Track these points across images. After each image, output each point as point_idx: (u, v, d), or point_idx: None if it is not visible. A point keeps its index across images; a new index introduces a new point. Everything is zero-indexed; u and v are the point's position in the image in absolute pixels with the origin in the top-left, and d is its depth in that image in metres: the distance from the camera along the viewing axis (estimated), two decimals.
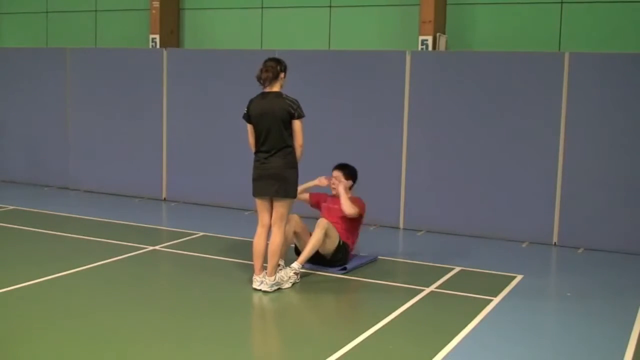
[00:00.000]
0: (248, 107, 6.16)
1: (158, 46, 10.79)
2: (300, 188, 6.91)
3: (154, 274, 6.87)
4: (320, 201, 7.10)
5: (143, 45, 11.26)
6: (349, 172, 7.04)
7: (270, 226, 6.17)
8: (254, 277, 6.17)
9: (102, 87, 10.67)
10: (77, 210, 9.41)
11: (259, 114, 6.06)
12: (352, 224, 6.96)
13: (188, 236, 8.13)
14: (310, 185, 7.04)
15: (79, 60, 10.86)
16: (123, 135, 10.58)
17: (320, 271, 6.73)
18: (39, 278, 6.28)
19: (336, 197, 6.94)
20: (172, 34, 11.06)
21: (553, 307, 6.21)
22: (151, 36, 10.92)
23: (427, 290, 6.29)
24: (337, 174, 7.01)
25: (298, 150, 6.11)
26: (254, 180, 6.15)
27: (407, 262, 7.36)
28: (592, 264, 7.55)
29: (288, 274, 6.25)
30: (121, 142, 10.60)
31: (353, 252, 7.07)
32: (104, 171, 10.76)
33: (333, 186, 6.99)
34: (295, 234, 6.65)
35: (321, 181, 6.99)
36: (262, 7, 10.63)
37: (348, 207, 6.76)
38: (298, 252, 6.71)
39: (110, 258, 7.04)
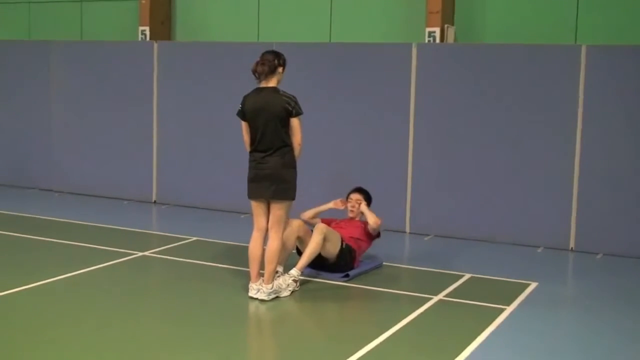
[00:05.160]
0: (242, 104, 6.15)
1: (148, 39, 10.78)
2: (312, 212, 7.19)
3: (143, 281, 6.85)
4: (332, 224, 7.12)
5: (132, 37, 11.25)
6: (368, 196, 7.30)
7: (267, 230, 6.15)
8: (250, 285, 6.16)
9: (89, 83, 10.65)
10: (62, 213, 9.40)
11: (254, 111, 6.05)
12: (363, 244, 7.07)
13: (180, 241, 8.13)
14: (325, 208, 7.25)
15: (63, 54, 10.85)
16: (111, 134, 10.57)
17: (321, 278, 6.72)
18: (20, 287, 6.25)
19: (353, 220, 7.17)
20: (163, 26, 11.06)
21: (570, 317, 6.18)
22: (141, 28, 10.91)
23: (435, 298, 6.28)
24: (358, 196, 7.26)
25: (296, 149, 6.10)
26: (250, 181, 6.13)
27: (413, 269, 7.35)
28: (612, 270, 7.52)
29: (286, 281, 6.24)
30: (109, 141, 10.59)
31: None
32: (90, 172, 10.75)
33: (352, 208, 7.20)
34: (299, 239, 6.67)
35: (337, 204, 7.25)
36: None
37: (374, 218, 6.97)
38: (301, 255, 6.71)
39: (97, 264, 7.02)
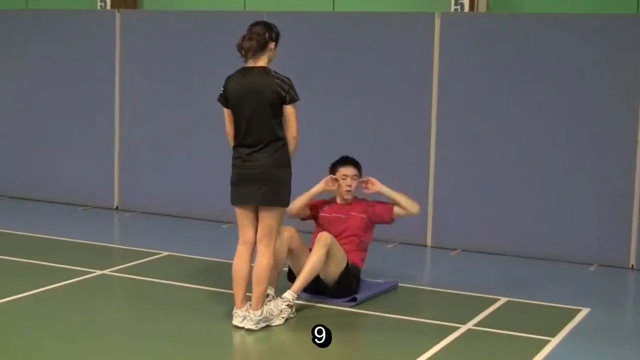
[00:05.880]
0: (225, 87, 6.14)
1: (109, 7, 10.76)
2: (302, 201, 6.91)
3: (102, 306, 6.84)
4: (318, 211, 7.04)
5: (89, 6, 11.23)
6: (360, 167, 7.08)
7: (256, 244, 6.13)
8: (234, 311, 6.15)
9: (36, 61, 10.64)
10: (3, 222, 9.37)
11: (239, 96, 6.04)
12: (367, 237, 7.00)
13: (148, 256, 8.13)
14: (316, 192, 6.96)
15: (5, 26, 10.83)
16: (63, 125, 10.55)
17: (321, 303, 6.70)
18: None
19: (350, 205, 7.00)
20: None
21: (630, 351, 6.15)
22: None
23: (463, 328, 6.27)
24: (353, 171, 7.01)
25: (291, 144, 6.09)
26: (234, 183, 6.12)
27: (436, 291, 7.35)
28: None
29: (279, 307, 6.23)
30: (60, 133, 10.57)
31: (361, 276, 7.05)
32: (37, 172, 10.74)
33: (348, 188, 6.98)
34: (290, 252, 6.62)
35: (328, 183, 6.99)
36: None
37: (415, 205, 6.98)
38: (293, 278, 6.67)
39: (46, 286, 7.00)
